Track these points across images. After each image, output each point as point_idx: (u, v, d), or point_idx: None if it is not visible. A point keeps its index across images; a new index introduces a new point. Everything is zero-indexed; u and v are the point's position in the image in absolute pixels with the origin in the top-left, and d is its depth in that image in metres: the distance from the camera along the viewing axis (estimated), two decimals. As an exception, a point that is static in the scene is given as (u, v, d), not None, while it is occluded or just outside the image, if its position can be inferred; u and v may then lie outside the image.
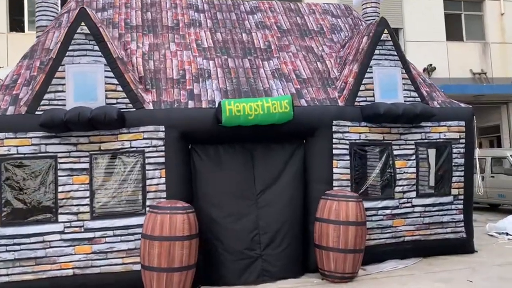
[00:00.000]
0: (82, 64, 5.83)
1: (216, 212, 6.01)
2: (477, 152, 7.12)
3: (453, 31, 17.64)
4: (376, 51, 6.81)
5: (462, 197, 7.00)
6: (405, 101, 6.81)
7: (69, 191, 5.59)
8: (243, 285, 5.83)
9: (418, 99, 6.92)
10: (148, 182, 5.79)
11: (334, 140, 6.43)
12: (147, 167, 5.80)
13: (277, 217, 6.09)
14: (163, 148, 5.86)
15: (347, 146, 6.48)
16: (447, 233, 6.94)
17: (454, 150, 6.98)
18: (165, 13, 7.60)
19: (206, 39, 7.26)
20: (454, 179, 6.96)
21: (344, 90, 6.75)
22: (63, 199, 5.56)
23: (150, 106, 6.00)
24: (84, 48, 5.86)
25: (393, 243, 6.62)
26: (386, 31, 6.85)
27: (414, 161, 6.75)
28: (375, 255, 6.52)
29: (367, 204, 6.43)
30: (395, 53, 6.89)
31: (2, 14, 13.87)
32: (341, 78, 6.92)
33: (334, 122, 6.44)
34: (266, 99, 5.88)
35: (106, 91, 5.86)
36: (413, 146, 6.77)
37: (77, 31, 5.86)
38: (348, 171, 6.45)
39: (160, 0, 7.81)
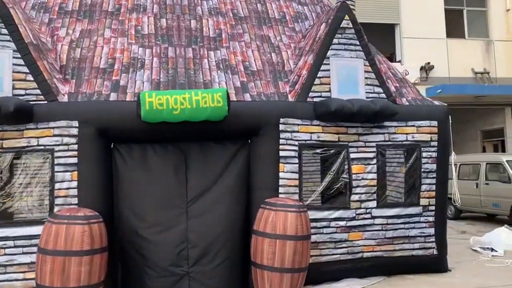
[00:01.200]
0: (-15, 50, 5.10)
1: (139, 222, 5.24)
2: (453, 156, 6.22)
3: (454, 28, 16.60)
4: (335, 40, 5.97)
5: (433, 208, 6.11)
6: (367, 97, 5.95)
7: (-37, 195, 4.87)
8: (166, 307, 5.05)
9: (383, 95, 6.05)
10: (57, 185, 5.04)
11: (281, 141, 5.60)
12: (56, 168, 5.05)
13: (211, 228, 5.29)
14: (76, 146, 5.10)
15: (296, 148, 5.64)
16: (414, 249, 6.05)
17: (424, 154, 6.09)
18: (106, -3, 6.84)
19: (148, 25, 6.47)
20: (423, 187, 6.07)
21: (296, 84, 5.92)
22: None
23: (65, 99, 5.25)
24: (-9, 34, 5.14)
25: (350, 259, 5.77)
26: (347, 17, 6.00)
27: (375, 165, 5.87)
28: (328, 273, 5.70)
29: (318, 215, 5.61)
30: (357, 43, 6.04)
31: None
32: (295, 71, 6.08)
33: (282, 120, 5.60)
34: (196, 92, 5.09)
35: (13, 80, 5.12)
36: (374, 149, 5.90)
37: (-8, 16, 5.14)
38: (296, 176, 5.61)
39: (103, -17, 7.06)
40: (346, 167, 5.76)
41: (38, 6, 6.47)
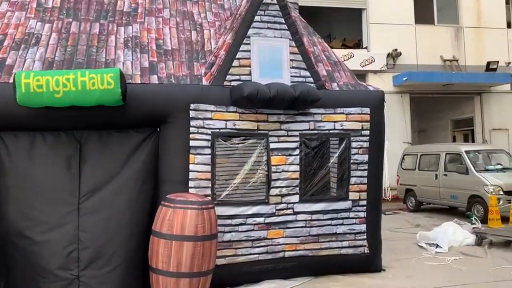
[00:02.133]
0: None
1: (25, 221, 4.60)
2: (387, 146, 5.69)
3: (423, 14, 16.08)
4: (257, 18, 5.36)
5: (364, 202, 5.59)
6: (292, 81, 5.37)
7: None
8: (53, 315, 4.45)
9: (311, 79, 5.47)
10: None
11: (191, 129, 5.00)
12: None
13: (106, 227, 4.68)
14: None
15: (209, 137, 5.05)
16: (343, 247, 5.54)
17: (354, 144, 5.55)
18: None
19: (52, 2, 5.78)
20: (353, 180, 5.55)
21: (213, 65, 5.31)
22: None
23: None
24: None
25: (270, 259, 5.24)
26: (271, -9, 5.39)
27: (298, 157, 5.32)
28: (247, 274, 5.17)
29: (232, 211, 5.04)
30: (282, 21, 5.44)
31: None
32: (214, 51, 5.47)
33: (192, 106, 5.00)
34: (83, 72, 4.44)
35: None
36: (297, 138, 5.34)
37: None
38: (208, 168, 5.03)
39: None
40: (265, 158, 5.19)
41: None
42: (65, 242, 4.59)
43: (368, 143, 5.59)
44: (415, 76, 14.74)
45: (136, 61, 5.23)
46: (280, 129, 5.28)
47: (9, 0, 5.63)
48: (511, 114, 16.35)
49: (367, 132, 5.59)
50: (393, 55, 15.29)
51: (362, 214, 5.58)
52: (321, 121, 5.43)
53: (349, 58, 14.76)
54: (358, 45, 16.17)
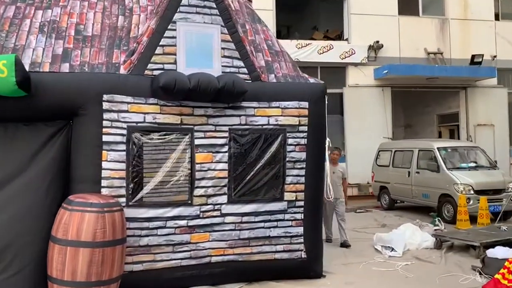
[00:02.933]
0: None
1: None
2: (328, 143, 5.25)
3: (407, 4, 15.56)
4: (184, 1, 4.90)
5: (301, 203, 5.17)
6: (223, 71, 4.93)
7: None
8: None
9: (245, 69, 5.03)
10: None
11: (104, 122, 4.57)
12: None
13: (5, 230, 4.25)
14: None
15: (124, 132, 4.62)
16: (277, 251, 5.12)
17: (290, 141, 5.12)
18: None
19: (-31, -20, 5.31)
20: (289, 179, 5.12)
21: (134, 53, 4.86)
22: None
23: None
24: None
25: (195, 265, 4.82)
26: (199, -28, 4.92)
27: (226, 154, 4.89)
28: (168, 281, 4.75)
29: (150, 213, 4.62)
30: (214, 6, 4.98)
31: None
32: (138, 38, 5.02)
33: (105, 97, 4.56)
34: (-27, 58, 4.00)
35: None
36: (226, 134, 4.90)
37: None
38: (123, 166, 4.59)
39: None
40: (188, 155, 4.76)
41: None
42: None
43: (306, 139, 5.16)
44: (396, 69, 14.24)
45: (49, 48, 4.78)
46: (207, 124, 4.85)
47: None
48: (496, 109, 15.88)
49: (305, 128, 5.16)
50: (375, 47, 14.78)
51: (299, 216, 5.16)
52: (253, 115, 4.99)
53: (328, 50, 14.31)
54: (340, 36, 15.67)
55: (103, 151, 4.55)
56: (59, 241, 3.93)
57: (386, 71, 14.15)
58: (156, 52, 4.79)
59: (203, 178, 4.80)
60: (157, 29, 4.84)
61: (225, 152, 4.87)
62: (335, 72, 14.69)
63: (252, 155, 4.96)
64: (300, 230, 5.17)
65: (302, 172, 5.15)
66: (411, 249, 6.71)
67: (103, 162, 4.55)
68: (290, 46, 13.14)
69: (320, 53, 14.14)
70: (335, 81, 14.23)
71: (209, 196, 4.83)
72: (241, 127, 4.94)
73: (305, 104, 5.14)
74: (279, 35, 15.35)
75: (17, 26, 4.92)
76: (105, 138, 4.56)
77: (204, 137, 4.82)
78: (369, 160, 12.17)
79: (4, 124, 4.49)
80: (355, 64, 14.68)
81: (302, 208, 5.17)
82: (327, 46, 14.41)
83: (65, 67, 4.64)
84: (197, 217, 4.79)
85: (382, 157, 11.73)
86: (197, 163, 4.77)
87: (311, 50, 14.09)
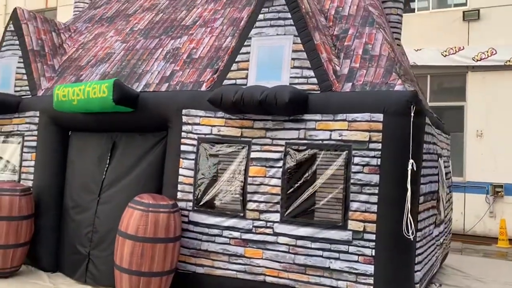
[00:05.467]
0: (6, 57, 6.72)
1: (71, 201, 5.88)
2: (411, 165, 4.16)
3: None
4: (260, 16, 4.96)
5: (371, 236, 4.29)
6: (291, 83, 4.71)
7: (-20, 165, 6.66)
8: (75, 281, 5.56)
9: (314, 79, 4.63)
10: (23, 163, 6.22)
11: (183, 134, 5.15)
12: (25, 149, 6.23)
13: (111, 217, 5.41)
14: (36, 132, 6.15)
15: (195, 142, 5.06)
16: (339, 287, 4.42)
17: (357, 160, 4.32)
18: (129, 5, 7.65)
19: (142, 22, 6.93)
20: (354, 205, 4.33)
21: (217, 71, 5.25)
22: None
23: (40, 93, 6.36)
24: (8, 44, 6.73)
25: (250, 280, 4.76)
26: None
27: (281, 169, 4.59)
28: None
29: (210, 220, 4.91)
30: (288, 16, 4.82)
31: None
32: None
33: (184, 112, 5.14)
34: (90, 83, 5.31)
35: (15, 80, 6.58)
36: (281, 148, 4.62)
37: (7, 29, 6.79)
38: (192, 173, 5.04)
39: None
40: (243, 168, 4.76)
41: (89, 17, 7.88)
42: (86, 224, 5.59)
43: (379, 159, 4.26)
44: None
45: (162, 71, 5.72)
46: (265, 137, 4.72)
47: (117, 28, 7.10)
48: None
49: (378, 146, 4.26)
50: None
51: (368, 252, 4.30)
52: (314, 129, 4.51)
53: (456, 52, 10.81)
54: None
55: (180, 159, 5.12)
56: (118, 231, 4.72)
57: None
58: (232, 68, 5.02)
59: (255, 192, 4.69)
60: (235, 46, 5.07)
61: (280, 167, 4.61)
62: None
63: (309, 172, 4.49)
64: (370, 268, 4.29)
65: (374, 198, 4.28)
66: None
67: (180, 169, 5.12)
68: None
69: (445, 55, 10.82)
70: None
71: (261, 211, 4.67)
72: (298, 141, 4.56)
73: (379, 116, 4.26)
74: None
75: (151, 55, 6.09)
76: (182, 147, 5.12)
77: (260, 150, 4.71)
78: None
79: (126, 134, 5.68)
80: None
81: (373, 243, 4.28)
82: (454, 48, 10.88)
83: (164, 87, 5.46)
84: (249, 231, 4.72)
85: None
86: (250, 176, 4.71)
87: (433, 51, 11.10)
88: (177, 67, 5.68)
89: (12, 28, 6.69)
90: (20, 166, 6.23)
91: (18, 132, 6.32)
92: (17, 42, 6.64)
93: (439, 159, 5.48)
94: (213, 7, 6.54)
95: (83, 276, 5.46)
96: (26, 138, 6.23)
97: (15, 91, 6.50)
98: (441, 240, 5.69)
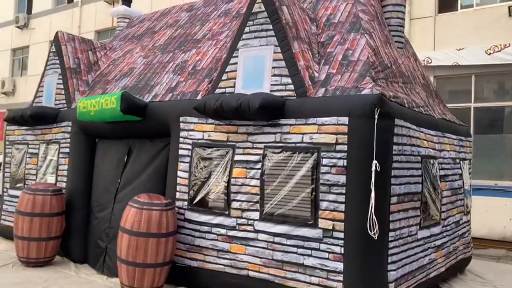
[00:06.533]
0: (49, 75, 7.73)
1: (95, 200, 6.65)
2: (375, 165, 4.29)
3: None
4: (246, 29, 5.35)
5: (340, 235, 4.47)
6: (271, 90, 5.04)
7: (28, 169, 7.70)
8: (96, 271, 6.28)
9: (291, 86, 4.92)
10: (59, 167, 7.11)
11: (180, 139, 5.66)
12: (60, 155, 7.12)
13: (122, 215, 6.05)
14: (69, 140, 7.01)
15: (190, 147, 5.54)
16: (312, 283, 4.63)
17: (325, 161, 4.52)
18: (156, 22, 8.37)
19: (163, 38, 7.59)
20: (324, 204, 4.53)
21: (211, 81, 5.71)
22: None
23: (74, 106, 7.23)
24: (51, 64, 7.73)
25: (236, 274, 5.12)
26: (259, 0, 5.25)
27: (259, 171, 4.91)
28: (219, 284, 5.27)
29: (201, 218, 5.36)
30: (270, 27, 5.16)
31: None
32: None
33: (181, 119, 5.65)
34: (104, 96, 6.01)
35: (56, 94, 7.54)
36: (260, 151, 4.93)
37: (50, 50, 7.81)
38: (187, 175, 5.52)
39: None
40: (228, 169, 5.14)
41: (124, 35, 8.74)
42: (105, 220, 6.30)
43: (345, 161, 4.44)
44: None
45: (169, 83, 6.29)
46: (247, 141, 5.07)
47: (142, 45, 7.84)
48: None
49: (344, 148, 4.44)
50: None
51: (338, 249, 4.48)
52: (288, 132, 4.79)
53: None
54: None
55: (178, 163, 5.63)
56: (119, 226, 5.32)
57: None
58: (222, 78, 5.45)
59: (238, 192, 5.05)
60: (226, 58, 5.50)
61: (259, 169, 4.93)
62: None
63: (283, 173, 4.77)
64: (340, 266, 4.47)
65: (341, 198, 4.46)
66: None
67: (178, 171, 5.63)
68: None
69: (490, 53, 9.87)
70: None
71: (243, 210, 5.02)
72: (275, 144, 4.85)
73: (344, 119, 4.44)
74: None
75: (164, 68, 6.70)
76: (180, 152, 5.63)
77: (242, 153, 5.06)
78: None
79: (139, 140, 6.31)
80: None
81: (342, 241, 4.46)
82: (500, 45, 9.96)
83: (168, 97, 6.02)
84: (234, 228, 5.08)
85: None
86: (233, 177, 5.08)
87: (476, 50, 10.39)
88: (182, 78, 6.21)
89: (54, 49, 7.67)
90: (57, 169, 7.12)
91: (56, 140, 7.23)
92: (57, 61, 7.60)
93: (432, 161, 5.46)
94: (223, 21, 7.01)
95: (101, 267, 6.15)
96: (61, 145, 7.11)
97: (55, 104, 7.45)
98: (439, 243, 5.62)
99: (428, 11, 12.23)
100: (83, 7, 20.91)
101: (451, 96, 11.95)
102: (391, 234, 4.57)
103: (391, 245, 4.57)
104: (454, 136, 6.42)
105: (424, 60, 11.75)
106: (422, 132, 5.26)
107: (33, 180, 7.53)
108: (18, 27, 23.47)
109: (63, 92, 7.41)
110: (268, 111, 4.72)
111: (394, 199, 4.60)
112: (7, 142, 8.27)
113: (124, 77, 7.13)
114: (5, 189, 8.22)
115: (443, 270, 5.87)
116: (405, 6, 6.42)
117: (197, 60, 6.40)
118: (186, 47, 6.87)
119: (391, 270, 4.56)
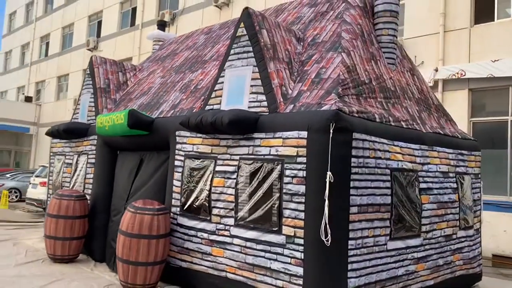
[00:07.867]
0: (84, 94, 8.76)
1: (112, 205, 7.44)
2: (329, 176, 4.58)
3: None
4: (232, 51, 5.88)
5: (301, 241, 4.77)
6: (249, 106, 5.51)
7: (64, 177, 8.72)
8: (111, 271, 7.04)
9: (265, 103, 5.36)
10: (87, 176, 8.03)
11: (176, 151, 6.28)
12: (88, 165, 8.04)
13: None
14: (94, 152, 7.92)
15: (182, 158, 6.13)
16: (277, 287, 4.96)
17: (288, 172, 4.87)
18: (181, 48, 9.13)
19: (181, 59, 8.32)
20: (287, 212, 4.87)
21: (204, 99, 6.28)
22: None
23: (100, 121, 8.13)
24: (86, 84, 8.77)
25: (217, 276, 5.58)
26: (242, 24, 5.77)
27: (234, 180, 5.35)
28: (204, 284, 5.77)
29: (189, 223, 5.90)
30: (251, 49, 5.65)
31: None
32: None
33: (177, 133, 6.27)
34: (116, 113, 6.79)
35: (88, 111, 8.53)
36: (236, 163, 5.38)
37: (86, 72, 8.86)
38: (179, 184, 6.10)
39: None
40: (210, 179, 5.64)
41: (153, 57, 9.64)
42: (118, 223, 7.03)
43: (304, 172, 4.77)
44: None
45: (174, 100, 6.96)
46: (226, 153, 5.55)
47: (163, 66, 8.63)
48: None
49: (304, 160, 4.77)
50: None
51: (298, 255, 4.79)
52: (259, 145, 5.20)
53: None
54: None
55: (174, 172, 6.23)
56: (119, 229, 6.00)
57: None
58: (212, 96, 6.01)
59: (217, 200, 5.52)
60: (215, 77, 6.05)
61: (234, 178, 5.38)
62: None
63: (253, 183, 5.18)
64: (300, 270, 4.77)
65: (301, 207, 4.78)
66: None
67: (173, 180, 6.23)
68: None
69: None
70: None
71: (221, 216, 5.48)
72: (248, 156, 5.28)
73: (304, 134, 4.79)
74: None
75: (172, 87, 7.40)
76: (175, 162, 6.23)
77: (222, 164, 5.54)
78: None
79: (146, 152, 7.02)
80: None
81: (302, 247, 4.77)
82: None
83: (170, 113, 6.67)
84: (214, 233, 5.55)
85: None
86: (213, 186, 5.57)
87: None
88: (184, 96, 6.85)
89: (88, 72, 8.69)
90: (85, 178, 8.04)
91: (85, 151, 8.18)
92: (91, 82, 8.60)
93: (408, 174, 5.57)
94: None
95: (112, 266, 6.89)
96: (89, 156, 8.03)
97: (87, 120, 8.42)
98: (420, 255, 5.68)
99: (464, 23, 11.99)
100: (143, 29, 22.62)
101: (487, 109, 11.57)
102: (351, 242, 4.79)
103: (351, 253, 4.79)
104: (449, 150, 6.43)
105: (457, 73, 11.54)
106: (396, 145, 5.42)
107: (68, 187, 8.52)
108: (88, 49, 25.81)
109: (93, 109, 8.36)
110: (238, 126, 5.18)
111: (354, 209, 4.83)
112: (51, 154, 9.41)
113: (143, 95, 7.92)
114: (49, 195, 9.34)
115: (431, 284, 5.90)
116: (397, 24, 6.59)
117: (199, 80, 7.02)
118: (195, 68, 7.53)
119: (352, 277, 4.77)
